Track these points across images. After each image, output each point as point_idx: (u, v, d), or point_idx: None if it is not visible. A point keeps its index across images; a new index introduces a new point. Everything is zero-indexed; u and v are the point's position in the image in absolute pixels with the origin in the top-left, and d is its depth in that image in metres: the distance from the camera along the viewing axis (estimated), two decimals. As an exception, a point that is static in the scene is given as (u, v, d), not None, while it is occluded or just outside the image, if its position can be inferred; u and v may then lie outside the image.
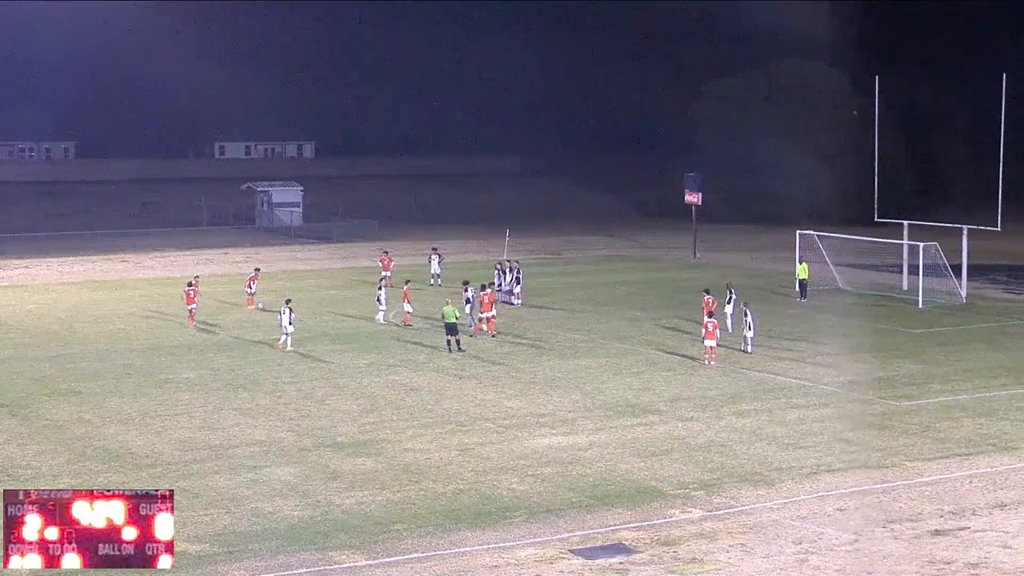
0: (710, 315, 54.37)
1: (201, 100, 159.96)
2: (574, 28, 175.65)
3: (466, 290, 61.18)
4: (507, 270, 69.32)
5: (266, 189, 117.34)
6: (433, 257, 76.69)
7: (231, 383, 49.31)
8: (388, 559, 30.26)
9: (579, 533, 31.94)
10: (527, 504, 34.20)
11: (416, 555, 30.48)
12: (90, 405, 45.65)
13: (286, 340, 56.35)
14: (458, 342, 55.09)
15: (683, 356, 54.16)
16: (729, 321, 58.66)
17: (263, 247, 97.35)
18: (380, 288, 63.82)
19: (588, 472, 37.17)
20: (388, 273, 74.73)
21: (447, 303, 56.48)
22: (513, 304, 67.22)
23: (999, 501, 34.51)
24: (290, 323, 56.25)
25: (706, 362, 52.17)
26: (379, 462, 38.24)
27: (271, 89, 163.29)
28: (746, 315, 54.70)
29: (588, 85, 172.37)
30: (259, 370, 51.70)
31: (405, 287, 62.18)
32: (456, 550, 30.78)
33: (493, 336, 58.51)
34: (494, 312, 59.68)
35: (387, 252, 78.92)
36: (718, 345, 52.98)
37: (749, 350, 54.27)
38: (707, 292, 58.51)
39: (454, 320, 55.27)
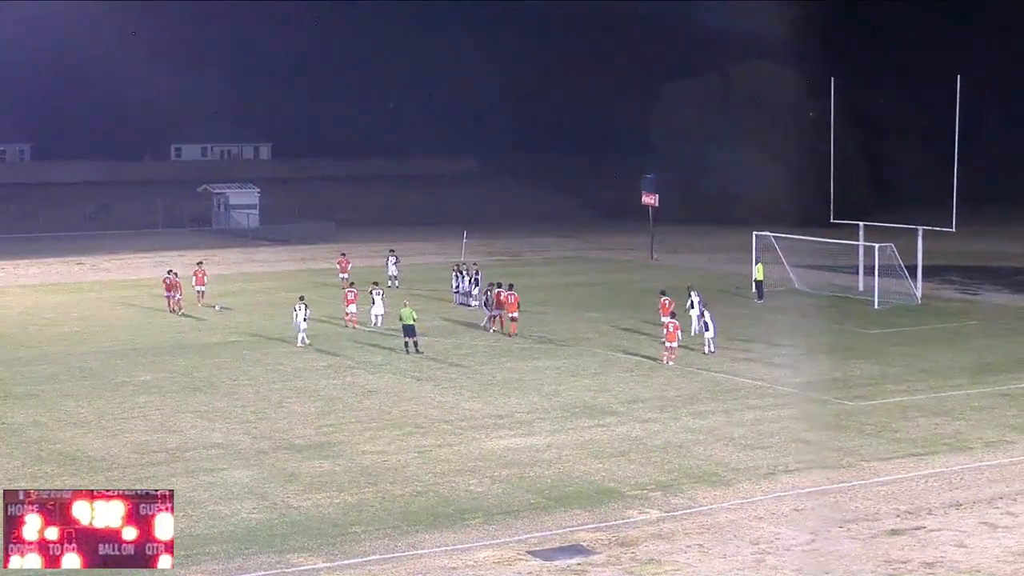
0: (672, 316, 54.54)
1: (157, 102, 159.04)
2: (531, 29, 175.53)
3: (488, 290, 61.19)
4: (465, 272, 69.34)
5: (222, 191, 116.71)
6: (390, 259, 76.59)
7: (188, 386, 49.14)
8: (346, 561, 30.23)
9: (537, 534, 31.98)
10: (485, 506, 34.22)
11: (374, 557, 30.47)
12: (46, 408, 45.42)
13: (303, 336, 56.74)
14: (416, 344, 55.05)
15: (641, 357, 54.26)
16: (694, 323, 58.63)
17: (220, 249, 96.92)
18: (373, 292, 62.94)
19: (546, 473, 37.22)
20: (346, 275, 74.63)
21: (405, 305, 56.45)
22: (471, 306, 67.22)
23: (954, 501, 34.73)
24: (304, 319, 56.83)
25: (666, 363, 52.29)
26: (337, 464, 38.19)
27: (227, 91, 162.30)
28: (702, 315, 54.94)
29: (545, 87, 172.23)
30: (216, 372, 51.54)
31: (349, 289, 62.46)
32: (414, 552, 30.77)
33: (510, 336, 58.90)
34: (515, 314, 60.02)
35: (344, 254, 78.82)
36: (679, 346, 53.15)
37: (712, 350, 54.46)
38: (663, 294, 58.72)
39: (411, 322, 55.25)
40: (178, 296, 66.23)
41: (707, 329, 54.81)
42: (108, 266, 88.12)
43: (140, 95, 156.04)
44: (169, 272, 68.25)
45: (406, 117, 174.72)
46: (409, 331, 55.11)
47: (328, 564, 30.11)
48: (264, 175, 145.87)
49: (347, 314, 61.50)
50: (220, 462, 38.52)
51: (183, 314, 65.13)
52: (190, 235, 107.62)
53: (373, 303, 61.28)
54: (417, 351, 54.85)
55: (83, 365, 53.19)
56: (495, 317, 60.68)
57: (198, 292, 68.61)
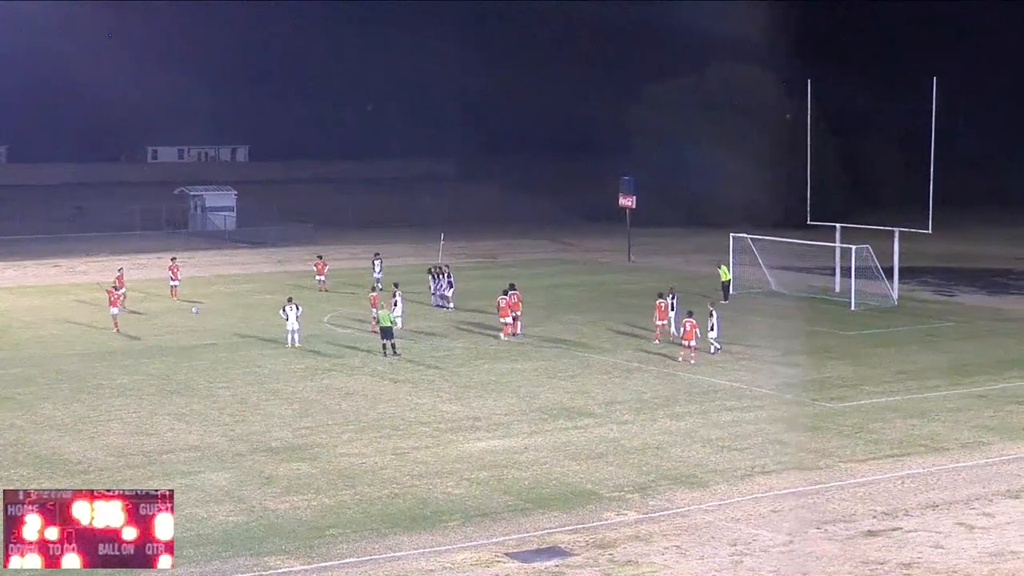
0: (689, 314, 54.80)
1: (134, 104, 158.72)
2: (509, 31, 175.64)
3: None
4: (440, 274, 69.28)
5: (200, 193, 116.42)
6: (375, 261, 76.26)
7: (165, 388, 49.02)
8: (323, 564, 30.20)
9: (515, 536, 31.97)
10: (463, 508, 34.20)
11: (351, 560, 30.43)
12: (22, 411, 45.26)
13: (293, 337, 56.90)
14: (393, 346, 54.99)
15: (618, 359, 54.31)
16: (672, 325, 58.69)
17: (197, 251, 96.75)
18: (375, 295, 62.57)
19: (523, 475, 37.21)
20: (323, 277, 74.55)
21: (382, 307, 56.44)
22: (447, 308, 67.20)
23: (931, 501, 34.82)
24: (296, 320, 56.95)
25: (691, 362, 52.80)
26: (314, 467, 38.14)
27: (204, 93, 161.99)
28: (711, 315, 55.04)
29: (524, 89, 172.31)
30: (193, 375, 51.43)
31: (373, 294, 61.87)
32: (391, 554, 30.75)
33: (515, 335, 59.17)
34: (518, 313, 60.15)
35: (321, 256, 78.69)
36: (695, 347, 53.40)
37: (711, 351, 54.57)
38: (661, 296, 58.66)
39: (389, 324, 55.22)
40: (117, 311, 62.46)
41: (712, 330, 54.96)
42: (84, 268, 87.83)
43: (117, 97, 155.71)
44: (120, 271, 69.33)
45: (384, 119, 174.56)
46: (387, 333, 55.07)
47: (305, 567, 30.07)
48: (241, 177, 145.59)
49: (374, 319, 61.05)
50: (197, 465, 38.45)
51: (118, 330, 61.61)
52: (167, 237, 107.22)
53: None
54: (395, 353, 54.80)
55: (60, 368, 53.03)
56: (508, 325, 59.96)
57: (172, 287, 69.63)
